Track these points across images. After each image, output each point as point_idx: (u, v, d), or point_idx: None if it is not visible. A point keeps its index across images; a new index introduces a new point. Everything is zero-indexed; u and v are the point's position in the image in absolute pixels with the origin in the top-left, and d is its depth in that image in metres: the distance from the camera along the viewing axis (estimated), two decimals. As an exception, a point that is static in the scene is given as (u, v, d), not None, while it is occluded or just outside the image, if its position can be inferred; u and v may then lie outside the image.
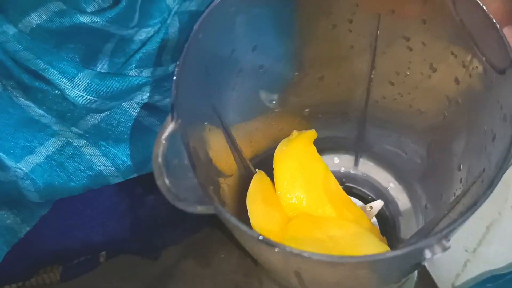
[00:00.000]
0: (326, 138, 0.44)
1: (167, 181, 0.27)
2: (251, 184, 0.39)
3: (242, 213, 0.38)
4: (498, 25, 0.28)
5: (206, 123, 0.33)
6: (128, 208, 0.46)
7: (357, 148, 0.45)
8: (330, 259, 0.25)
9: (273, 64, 0.37)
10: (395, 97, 0.39)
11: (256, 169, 0.41)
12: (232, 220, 0.26)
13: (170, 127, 0.28)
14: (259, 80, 0.37)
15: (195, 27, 0.30)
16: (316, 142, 0.43)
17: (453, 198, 0.36)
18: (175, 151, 0.28)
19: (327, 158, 0.47)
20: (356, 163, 0.47)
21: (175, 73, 0.29)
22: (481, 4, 0.29)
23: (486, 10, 0.29)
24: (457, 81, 0.34)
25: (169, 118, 0.28)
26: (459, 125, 0.35)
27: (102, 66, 0.42)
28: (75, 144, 0.41)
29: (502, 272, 0.43)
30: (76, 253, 0.46)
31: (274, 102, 0.40)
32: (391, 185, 0.46)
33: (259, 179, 0.40)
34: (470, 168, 0.34)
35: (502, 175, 0.27)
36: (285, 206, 0.41)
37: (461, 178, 0.35)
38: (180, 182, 0.28)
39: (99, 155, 0.41)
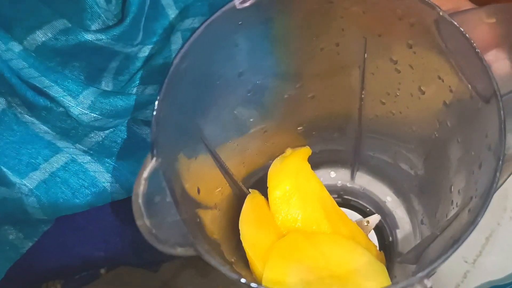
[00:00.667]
0: (321, 152, 0.44)
1: (147, 222, 0.27)
2: (243, 206, 0.39)
3: (238, 236, 0.38)
4: (481, 55, 0.28)
5: (191, 152, 0.33)
6: (129, 224, 0.46)
7: (354, 161, 0.45)
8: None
9: (262, 87, 0.36)
10: (388, 115, 0.38)
11: (250, 189, 0.41)
12: (213, 262, 0.26)
13: (150, 165, 0.28)
14: (248, 103, 0.37)
15: (176, 59, 0.29)
16: (311, 157, 0.43)
17: (446, 219, 0.35)
18: (157, 188, 0.28)
19: (323, 172, 0.46)
20: (352, 177, 0.46)
21: (155, 107, 0.28)
22: (465, 33, 0.29)
23: (470, 39, 0.28)
24: (445, 104, 0.33)
25: (149, 156, 0.28)
26: (449, 147, 0.35)
27: (106, 84, 0.42)
28: (79, 160, 0.41)
29: (502, 283, 0.43)
30: (78, 269, 0.46)
31: (265, 122, 0.39)
32: (389, 198, 0.46)
33: (252, 199, 0.40)
34: (460, 192, 0.33)
35: (485, 211, 0.26)
36: (280, 225, 0.41)
37: (452, 200, 0.34)
38: (162, 220, 0.28)
39: (104, 172, 0.41)
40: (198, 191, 0.34)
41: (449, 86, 0.32)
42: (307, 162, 0.42)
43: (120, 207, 0.45)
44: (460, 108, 0.32)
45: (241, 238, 0.38)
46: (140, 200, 0.27)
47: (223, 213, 0.39)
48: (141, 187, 0.27)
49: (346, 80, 0.37)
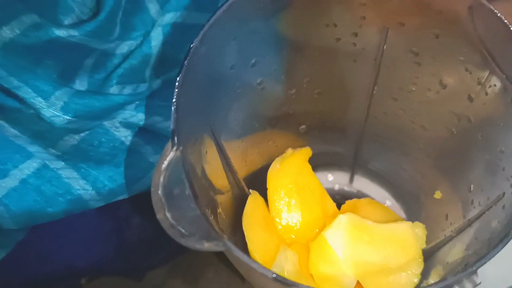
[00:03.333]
0: (320, 154, 0.42)
1: (168, 216, 0.25)
2: (246, 207, 0.37)
3: (235, 234, 0.36)
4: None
5: (203, 145, 0.31)
6: (113, 230, 0.43)
7: (353, 164, 0.43)
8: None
9: (272, 80, 0.35)
10: (397, 112, 0.37)
11: (250, 190, 0.39)
12: (244, 258, 0.24)
13: (170, 155, 0.25)
14: (257, 96, 0.35)
15: (195, 42, 0.27)
16: (310, 159, 0.41)
17: (463, 220, 0.34)
18: (175, 180, 0.26)
19: (320, 175, 0.45)
20: (351, 180, 0.45)
21: (175, 94, 0.26)
22: (501, 16, 0.27)
23: (507, 23, 0.27)
24: (470, 98, 0.32)
25: (168, 145, 0.26)
26: (469, 143, 0.33)
27: (81, 83, 0.39)
28: (52, 166, 0.38)
29: (504, 294, 0.41)
30: (58, 279, 0.43)
31: (269, 119, 0.37)
32: (388, 202, 0.44)
33: (253, 200, 0.38)
34: (484, 190, 0.32)
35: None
36: (280, 229, 0.39)
37: (472, 200, 0.33)
38: (182, 214, 0.25)
39: (78, 178, 0.38)
40: (210, 186, 0.31)
41: (477, 78, 0.30)
42: (308, 163, 0.41)
43: (101, 212, 0.42)
44: (488, 101, 0.31)
45: (246, 240, 0.35)
46: (160, 192, 0.25)
47: (224, 213, 0.36)
48: (161, 178, 0.25)
49: (358, 74, 0.36)
